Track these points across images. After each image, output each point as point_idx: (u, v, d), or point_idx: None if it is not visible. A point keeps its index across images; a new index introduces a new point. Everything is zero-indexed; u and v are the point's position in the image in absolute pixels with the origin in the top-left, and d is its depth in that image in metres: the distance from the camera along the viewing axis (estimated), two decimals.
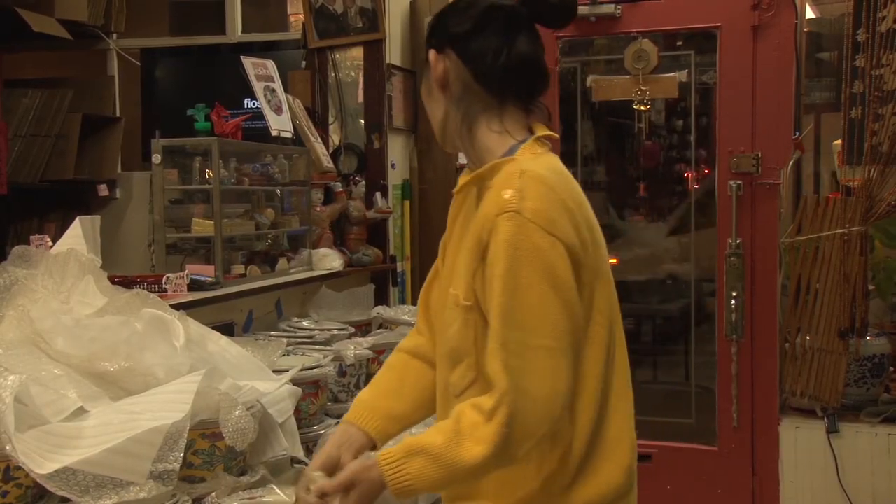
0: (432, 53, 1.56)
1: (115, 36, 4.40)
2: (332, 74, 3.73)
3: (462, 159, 4.00)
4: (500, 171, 1.47)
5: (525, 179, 1.43)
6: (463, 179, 1.57)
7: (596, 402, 1.47)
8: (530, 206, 1.40)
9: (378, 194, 3.58)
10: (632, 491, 1.54)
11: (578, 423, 1.45)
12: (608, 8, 3.84)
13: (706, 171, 4.71)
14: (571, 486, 1.46)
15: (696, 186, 4.91)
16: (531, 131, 1.55)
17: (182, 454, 1.55)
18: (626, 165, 5.84)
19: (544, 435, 1.39)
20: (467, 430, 1.37)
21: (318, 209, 3.32)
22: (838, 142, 3.58)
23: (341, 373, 2.41)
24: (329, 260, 3.22)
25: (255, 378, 1.91)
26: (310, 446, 2.14)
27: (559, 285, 1.40)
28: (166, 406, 1.58)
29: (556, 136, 1.63)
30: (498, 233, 1.40)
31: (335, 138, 3.76)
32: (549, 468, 1.46)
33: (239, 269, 2.84)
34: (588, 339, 1.46)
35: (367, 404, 1.65)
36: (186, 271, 2.55)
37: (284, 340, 2.36)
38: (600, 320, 1.49)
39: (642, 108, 3.97)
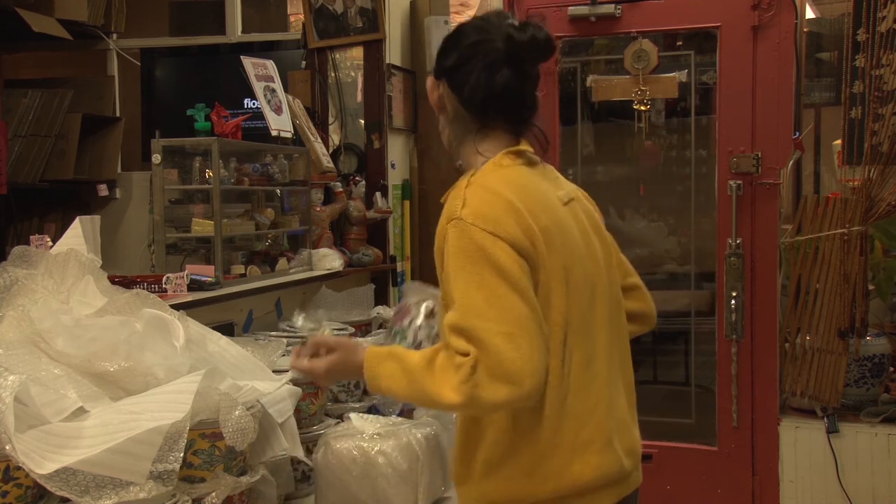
0: (430, 79, 1.78)
1: (115, 36, 4.39)
2: (332, 74, 3.73)
3: None
4: (458, 185, 1.67)
5: (470, 189, 1.62)
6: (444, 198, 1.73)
7: (553, 400, 1.59)
8: (470, 211, 1.57)
9: (378, 194, 3.58)
10: (607, 488, 1.67)
11: (535, 418, 1.59)
12: (608, 8, 3.84)
13: (706, 171, 4.71)
14: (536, 475, 1.60)
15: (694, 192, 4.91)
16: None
17: (182, 454, 1.55)
18: (626, 165, 5.84)
19: (514, 398, 1.50)
20: (438, 369, 1.53)
21: (318, 209, 3.32)
22: (838, 142, 3.58)
23: None
24: (329, 260, 3.22)
25: (255, 378, 1.91)
26: (310, 446, 2.14)
27: (508, 277, 1.53)
28: (166, 406, 1.58)
29: (529, 149, 1.76)
30: (448, 239, 1.58)
31: (335, 138, 3.76)
32: (519, 460, 1.60)
33: (239, 269, 2.84)
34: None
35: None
36: (186, 271, 2.55)
37: (284, 340, 2.36)
38: (557, 319, 1.60)
39: (642, 108, 3.97)
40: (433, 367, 1.54)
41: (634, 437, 1.79)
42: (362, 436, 2.03)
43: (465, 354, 1.49)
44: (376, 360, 1.62)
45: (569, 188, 1.80)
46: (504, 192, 1.61)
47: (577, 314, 1.63)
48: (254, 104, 3.73)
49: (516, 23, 1.71)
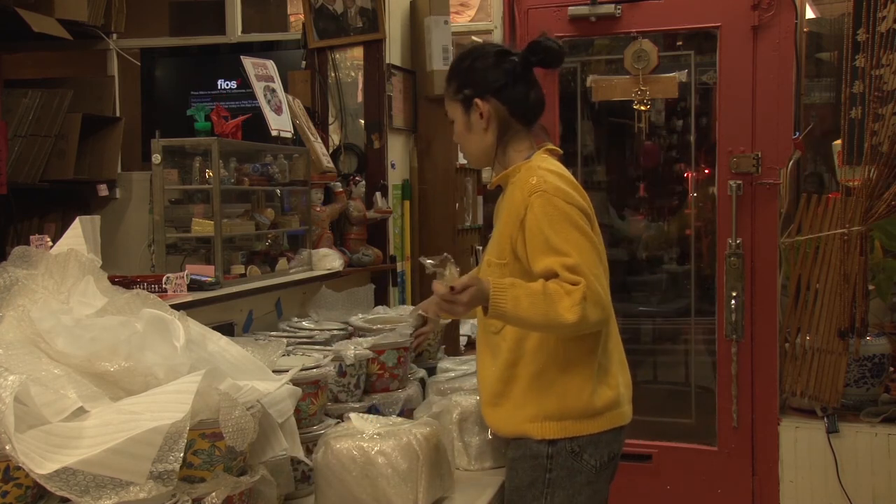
0: (478, 100, 2.14)
1: (115, 36, 4.39)
2: (332, 74, 3.73)
3: (461, 160, 4.00)
4: (521, 170, 2.12)
5: (542, 172, 2.08)
6: (495, 179, 2.22)
7: (600, 336, 2.09)
8: (552, 187, 2.04)
9: (378, 194, 3.58)
10: (626, 404, 2.18)
11: (587, 349, 2.08)
12: (608, 8, 3.85)
13: (706, 170, 4.72)
14: (594, 392, 2.09)
15: (694, 194, 4.91)
16: (539, 146, 2.21)
17: (182, 454, 1.55)
18: (626, 165, 5.84)
19: (600, 321, 1.98)
20: (555, 294, 1.94)
21: (318, 209, 3.32)
22: (838, 142, 3.58)
23: (341, 373, 2.41)
24: (329, 260, 3.22)
25: (255, 378, 1.90)
26: (310, 446, 2.14)
27: (585, 232, 2.02)
28: (166, 406, 1.58)
29: (560, 151, 2.23)
30: (533, 207, 2.02)
31: (335, 138, 3.75)
32: (578, 382, 2.07)
33: (239, 269, 2.84)
34: None
35: None
36: (186, 271, 2.55)
37: (284, 340, 2.36)
38: (605, 274, 2.06)
39: (642, 108, 3.98)
40: (549, 293, 1.94)
41: (629, 375, 2.26)
42: (362, 436, 2.03)
43: (575, 285, 1.93)
44: (501, 288, 1.97)
45: None
46: (562, 177, 2.10)
47: (608, 274, 2.10)
48: (251, 103, 3.72)
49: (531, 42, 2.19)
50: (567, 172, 2.15)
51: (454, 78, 2.20)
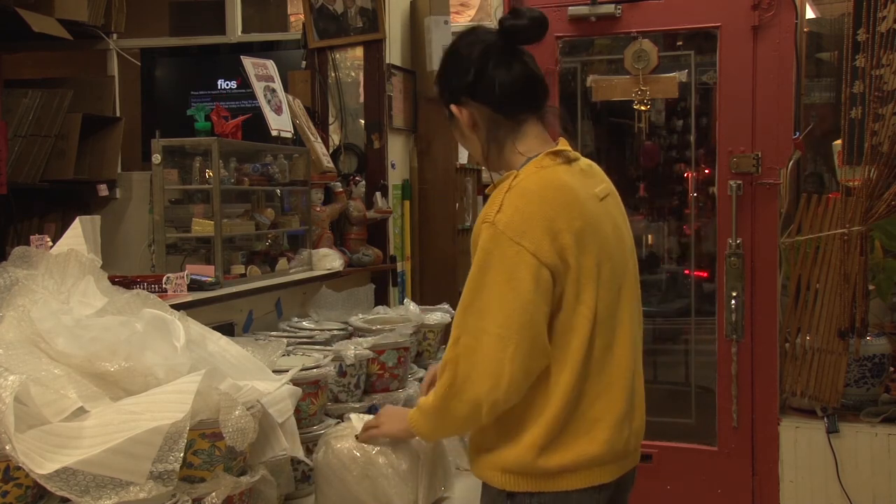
0: (454, 107, 1.85)
1: (115, 36, 4.39)
2: (332, 74, 3.73)
3: (462, 160, 4.01)
4: (504, 182, 1.77)
5: (509, 194, 1.73)
6: (488, 190, 1.86)
7: (574, 382, 1.74)
8: (503, 219, 1.70)
9: (378, 194, 3.58)
10: (611, 462, 1.80)
11: (555, 396, 1.73)
12: (608, 8, 3.84)
13: (706, 170, 4.72)
14: (548, 448, 1.74)
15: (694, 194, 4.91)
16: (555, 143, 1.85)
17: (182, 454, 1.55)
18: (626, 165, 5.84)
19: (494, 404, 1.69)
20: (436, 404, 1.76)
21: (318, 209, 3.32)
22: (838, 142, 3.58)
23: (341, 373, 2.41)
24: (329, 260, 3.22)
25: (255, 378, 1.90)
26: (310, 446, 2.14)
27: (517, 287, 1.67)
28: (166, 406, 1.58)
29: (569, 149, 1.85)
30: (479, 239, 1.73)
31: (335, 138, 3.75)
32: (535, 433, 1.74)
33: (239, 269, 2.84)
34: (571, 328, 1.73)
35: None
36: (186, 271, 2.55)
37: (284, 340, 2.36)
38: (585, 312, 1.73)
39: (642, 108, 3.97)
40: (436, 406, 1.78)
41: (643, 419, 1.92)
42: None
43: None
44: (412, 421, 1.85)
45: (606, 183, 1.91)
46: (538, 199, 1.72)
47: (604, 306, 1.77)
48: (250, 103, 3.72)
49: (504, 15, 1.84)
50: (564, 184, 1.77)
51: (436, 85, 1.95)
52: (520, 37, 1.82)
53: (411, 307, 3.01)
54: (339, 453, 1.99)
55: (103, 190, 4.25)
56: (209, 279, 2.59)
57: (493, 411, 1.71)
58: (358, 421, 2.09)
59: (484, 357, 1.68)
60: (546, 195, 1.73)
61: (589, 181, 1.85)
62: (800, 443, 3.58)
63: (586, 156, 1.96)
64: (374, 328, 2.75)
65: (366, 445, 1.99)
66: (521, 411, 1.75)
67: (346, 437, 2.03)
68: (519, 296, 1.67)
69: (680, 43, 4.40)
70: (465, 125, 1.86)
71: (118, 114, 4.42)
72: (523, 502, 1.77)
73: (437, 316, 2.97)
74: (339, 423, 2.21)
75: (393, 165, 3.75)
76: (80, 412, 1.59)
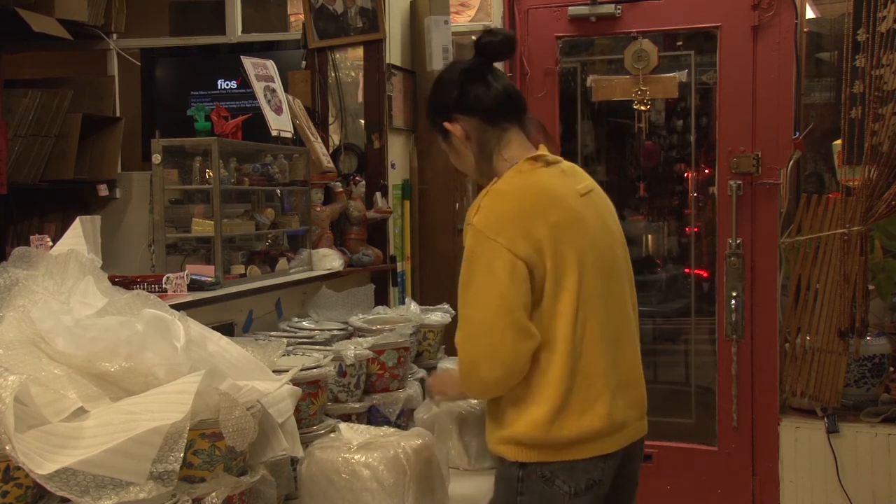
0: (447, 125, 2.07)
1: (115, 36, 4.39)
2: (332, 74, 3.73)
3: None
4: (483, 190, 1.99)
5: (486, 198, 1.95)
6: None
7: (567, 361, 1.92)
8: (481, 219, 1.92)
9: (378, 194, 3.58)
10: (614, 433, 1.99)
11: (553, 375, 1.92)
12: (608, 8, 3.85)
13: (706, 170, 4.72)
14: (555, 423, 1.92)
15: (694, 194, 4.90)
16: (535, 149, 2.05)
17: (182, 454, 1.55)
18: (626, 165, 5.84)
19: (498, 380, 1.91)
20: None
21: (318, 209, 3.32)
22: (838, 142, 3.58)
23: (341, 373, 2.41)
24: (329, 260, 3.22)
25: (255, 378, 1.90)
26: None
27: (495, 278, 1.89)
28: (166, 406, 1.58)
29: (547, 154, 2.05)
30: (465, 240, 1.94)
31: (335, 138, 3.75)
32: (541, 409, 1.92)
33: (239, 269, 2.84)
34: (557, 313, 1.92)
35: None
36: (186, 271, 2.55)
37: (284, 340, 2.35)
38: (568, 297, 1.92)
39: (642, 108, 3.98)
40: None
41: (641, 392, 2.12)
42: (349, 447, 1.96)
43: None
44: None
45: (588, 181, 2.10)
46: (514, 199, 1.94)
47: (591, 291, 1.94)
48: (251, 103, 3.72)
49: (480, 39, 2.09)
50: (541, 182, 1.98)
51: (427, 115, 2.18)
52: (494, 52, 2.06)
53: (412, 307, 3.01)
54: (323, 464, 1.94)
55: (103, 190, 4.25)
56: (209, 279, 2.59)
57: (503, 385, 1.93)
58: (348, 431, 2.06)
59: (479, 342, 1.90)
60: (520, 195, 1.95)
61: (570, 180, 2.03)
62: (800, 443, 3.58)
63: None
64: (373, 328, 2.75)
65: (350, 457, 1.94)
66: (526, 391, 1.93)
67: (331, 448, 1.98)
68: (498, 286, 1.87)
69: (680, 43, 4.40)
70: (459, 138, 2.06)
71: (118, 114, 4.42)
72: (534, 471, 1.95)
73: (437, 316, 2.97)
74: (338, 423, 2.20)
75: (393, 165, 3.75)
76: (80, 412, 1.59)
